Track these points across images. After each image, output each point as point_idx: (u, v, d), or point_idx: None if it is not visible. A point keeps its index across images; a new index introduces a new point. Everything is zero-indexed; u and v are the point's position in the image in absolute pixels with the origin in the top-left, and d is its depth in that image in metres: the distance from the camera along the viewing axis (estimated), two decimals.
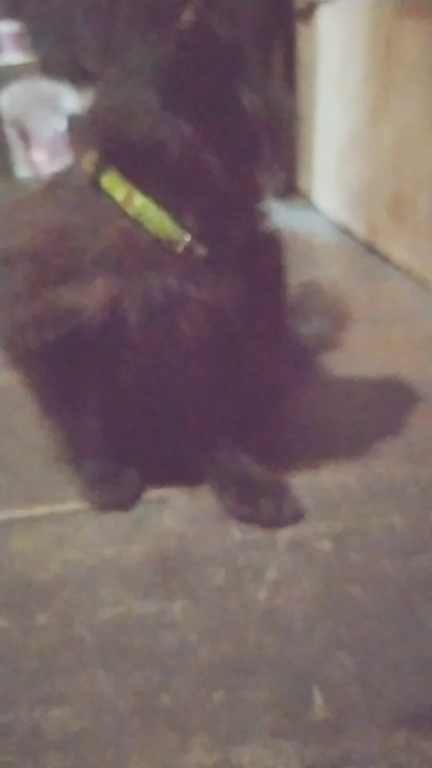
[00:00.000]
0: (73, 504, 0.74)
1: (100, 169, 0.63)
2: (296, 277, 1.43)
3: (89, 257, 0.61)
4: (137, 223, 0.62)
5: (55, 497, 0.75)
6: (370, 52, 1.42)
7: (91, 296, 0.61)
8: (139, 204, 0.61)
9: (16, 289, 0.64)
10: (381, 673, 0.53)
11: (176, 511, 0.72)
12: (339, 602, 0.60)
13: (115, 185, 0.62)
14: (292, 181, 2.08)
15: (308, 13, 1.79)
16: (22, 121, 3.19)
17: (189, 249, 0.62)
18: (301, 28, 1.88)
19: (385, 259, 1.47)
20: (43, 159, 3.09)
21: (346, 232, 1.69)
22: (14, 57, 3.90)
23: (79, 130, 0.67)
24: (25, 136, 3.14)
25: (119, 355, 0.64)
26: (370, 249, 1.55)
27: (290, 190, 2.08)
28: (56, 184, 0.68)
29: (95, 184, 0.63)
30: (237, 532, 0.68)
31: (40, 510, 0.73)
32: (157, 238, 0.62)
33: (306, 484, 0.74)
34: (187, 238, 0.62)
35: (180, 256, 0.62)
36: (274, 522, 0.68)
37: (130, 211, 0.61)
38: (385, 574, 0.62)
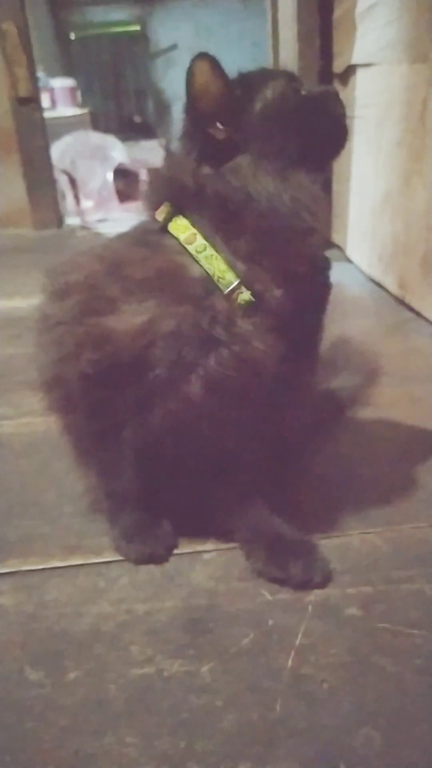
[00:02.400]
0: (109, 555, 0.74)
1: (169, 217, 0.66)
2: (330, 328, 1.45)
3: (131, 284, 0.63)
4: (192, 261, 0.63)
5: (92, 548, 0.75)
6: (404, 115, 1.44)
7: (123, 322, 0.62)
8: (200, 243, 0.63)
9: (62, 318, 0.66)
10: (408, 754, 0.51)
11: (208, 567, 0.71)
12: (367, 672, 0.58)
13: (181, 227, 0.65)
14: (328, 235, 2.09)
15: (346, 76, 1.82)
16: (71, 170, 3.29)
17: (236, 294, 0.63)
18: (339, 90, 1.91)
19: (417, 314, 1.46)
20: (90, 207, 3.18)
21: (379, 286, 1.69)
22: (66, 110, 4.06)
23: (153, 187, 0.69)
24: (74, 184, 3.24)
25: (150, 394, 0.64)
26: (402, 304, 1.54)
27: (327, 243, 2.09)
28: (127, 232, 0.72)
29: (163, 229, 0.66)
30: (266, 592, 0.67)
31: (76, 560, 0.73)
32: (208, 277, 0.63)
33: (335, 545, 0.73)
34: (235, 281, 0.63)
35: (225, 301, 0.63)
36: (303, 584, 0.67)
37: (190, 248, 0.64)
38: (415, 646, 0.60)
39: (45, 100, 4.02)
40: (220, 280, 0.63)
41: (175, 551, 0.74)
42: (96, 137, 3.63)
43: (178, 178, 0.66)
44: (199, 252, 0.64)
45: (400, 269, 1.54)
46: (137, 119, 5.13)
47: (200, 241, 0.64)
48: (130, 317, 0.62)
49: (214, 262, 0.63)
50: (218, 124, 0.63)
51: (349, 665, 0.59)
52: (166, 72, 5.29)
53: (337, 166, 1.96)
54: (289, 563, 0.67)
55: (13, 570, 0.72)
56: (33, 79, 2.47)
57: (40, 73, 4.04)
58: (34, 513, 0.83)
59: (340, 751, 0.51)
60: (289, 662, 0.59)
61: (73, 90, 4.25)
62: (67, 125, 3.67)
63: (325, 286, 0.76)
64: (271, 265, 0.64)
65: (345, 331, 1.44)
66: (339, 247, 2.03)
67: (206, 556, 0.73)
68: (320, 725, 0.53)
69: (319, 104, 0.67)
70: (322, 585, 0.67)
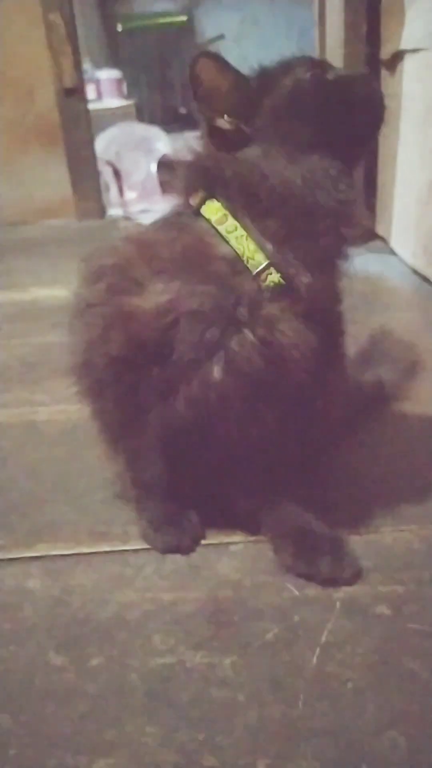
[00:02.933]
0: (136, 543, 0.73)
1: (202, 201, 0.65)
2: (370, 321, 1.42)
3: (158, 264, 0.63)
4: (222, 241, 0.62)
5: (120, 535, 0.75)
6: None
7: (148, 301, 0.62)
8: (231, 223, 0.63)
9: (92, 300, 0.66)
10: None
11: (235, 559, 0.70)
12: (394, 675, 0.56)
13: (213, 209, 0.64)
14: (372, 226, 2.04)
15: (393, 63, 1.77)
16: (116, 162, 3.30)
17: (264, 275, 0.62)
18: (386, 78, 1.86)
19: None
20: (133, 198, 3.19)
21: (424, 278, 1.64)
22: (112, 102, 4.08)
23: (188, 177, 0.69)
24: (118, 176, 3.25)
25: (174, 377, 0.63)
26: None
27: (370, 234, 2.05)
28: (162, 217, 0.71)
29: (197, 213, 0.65)
30: (293, 587, 0.66)
31: (103, 547, 0.73)
32: (237, 258, 0.62)
33: (367, 542, 0.71)
34: (264, 263, 0.61)
35: (252, 282, 0.62)
36: (331, 580, 0.65)
37: (221, 229, 0.63)
38: None
39: (91, 92, 4.03)
40: (250, 260, 0.62)
41: (202, 542, 0.73)
42: (141, 129, 3.64)
43: (204, 164, 0.66)
44: (230, 232, 0.63)
45: None
46: (182, 110, 5.11)
47: (231, 221, 0.63)
48: (155, 296, 0.62)
49: (244, 243, 0.62)
50: (225, 117, 0.63)
51: (375, 666, 0.57)
52: None
53: (383, 154, 1.93)
54: (317, 559, 0.66)
55: (42, 554, 0.73)
56: (79, 70, 2.48)
57: (86, 65, 4.07)
58: (64, 499, 0.83)
59: (363, 754, 0.50)
60: (314, 660, 0.58)
61: (119, 81, 4.26)
62: (113, 117, 3.68)
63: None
64: (300, 248, 0.62)
65: (386, 324, 1.41)
66: (383, 239, 1.98)
67: (233, 548, 0.72)
68: (343, 726, 0.52)
69: (344, 87, 0.65)
70: (351, 582, 0.65)
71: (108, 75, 4.23)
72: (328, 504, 0.74)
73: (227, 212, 0.63)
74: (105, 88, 4.20)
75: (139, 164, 3.34)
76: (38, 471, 0.91)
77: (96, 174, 2.70)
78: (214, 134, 0.65)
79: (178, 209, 0.70)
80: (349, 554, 0.67)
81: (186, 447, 0.68)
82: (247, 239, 0.62)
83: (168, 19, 5.28)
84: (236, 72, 0.63)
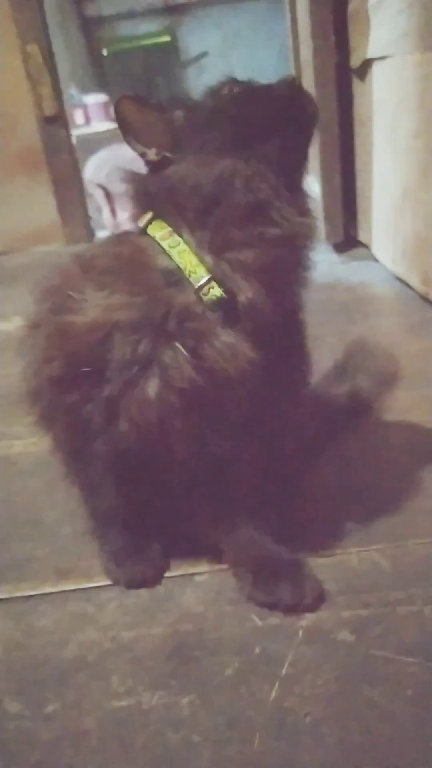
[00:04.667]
0: (100, 579, 0.72)
1: (150, 222, 0.64)
2: (350, 330, 1.41)
3: (96, 277, 0.62)
4: (161, 254, 0.62)
5: (85, 571, 0.74)
6: (419, 105, 1.38)
7: (82, 316, 0.61)
8: (175, 239, 0.62)
9: (35, 321, 0.66)
10: None
11: (199, 590, 0.69)
12: (354, 704, 0.54)
13: (157, 227, 0.63)
14: (353, 232, 2.03)
15: (363, 71, 1.77)
16: (106, 184, 3.32)
17: (206, 290, 0.60)
18: (357, 85, 1.86)
19: None
20: (126, 218, 3.20)
21: (404, 284, 1.62)
22: (100, 125, 4.11)
23: (132, 200, 0.68)
24: (110, 198, 3.26)
25: (113, 397, 0.60)
26: (427, 301, 1.47)
27: (351, 240, 2.04)
28: (110, 236, 0.72)
29: (143, 232, 0.64)
30: (256, 617, 0.64)
31: (68, 585, 0.72)
32: (177, 270, 0.61)
33: (332, 563, 0.69)
34: (206, 277, 0.60)
35: (187, 295, 0.60)
36: (293, 607, 0.64)
37: (164, 244, 0.62)
38: (408, 675, 0.56)
39: (79, 117, 4.08)
40: (192, 274, 0.60)
41: (167, 573, 0.71)
42: (130, 150, 3.66)
43: (140, 187, 0.66)
44: (173, 247, 0.62)
45: (423, 266, 1.48)
46: None
47: (174, 237, 0.62)
48: (90, 311, 0.61)
49: (186, 257, 0.61)
50: (153, 150, 0.64)
51: (335, 696, 0.55)
52: (198, 80, 5.29)
53: (359, 161, 1.92)
54: (277, 586, 0.64)
55: (5, 597, 0.72)
56: (58, 98, 2.49)
57: (72, 91, 4.12)
58: (33, 534, 0.82)
59: None
60: (273, 693, 0.56)
61: (106, 105, 4.28)
62: (102, 140, 3.70)
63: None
64: (237, 259, 0.61)
65: (365, 331, 1.40)
66: (365, 245, 1.97)
67: (198, 578, 0.71)
68: (299, 762, 0.50)
69: (261, 93, 0.65)
70: (314, 608, 0.64)
71: (95, 99, 4.26)
72: (293, 525, 0.72)
73: (171, 229, 0.63)
74: (93, 113, 4.23)
75: None
76: (10, 505, 0.90)
77: (82, 198, 2.71)
78: (148, 166, 0.66)
79: (127, 230, 0.69)
80: (310, 579, 0.65)
81: (138, 473, 0.66)
82: (188, 253, 0.61)
83: (152, 40, 5.32)
84: (158, 107, 0.64)
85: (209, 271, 0.60)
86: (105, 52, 5.23)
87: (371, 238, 1.90)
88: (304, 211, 0.65)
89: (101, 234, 2.85)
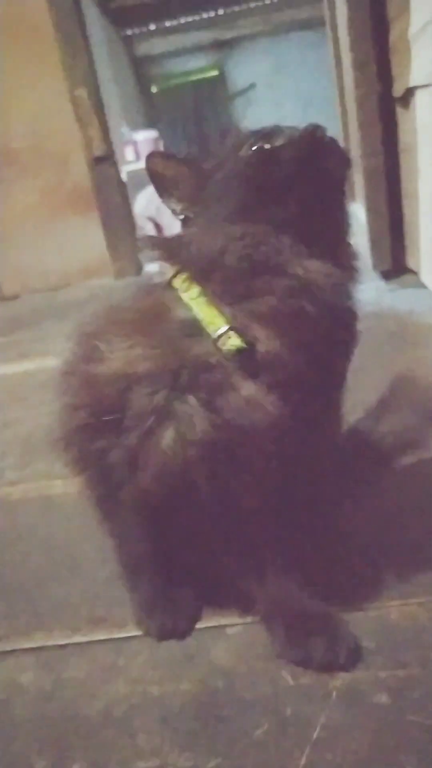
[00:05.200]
0: (132, 629, 0.71)
1: (176, 274, 0.65)
2: (395, 362, 1.37)
3: (120, 329, 0.63)
4: (181, 305, 0.62)
5: (117, 620, 0.73)
6: None
7: (105, 366, 0.62)
8: (195, 290, 0.62)
9: (65, 369, 0.67)
10: None
11: (231, 644, 0.67)
12: None
13: (180, 279, 0.64)
14: (401, 259, 2.00)
15: (406, 99, 1.75)
16: (156, 217, 3.39)
17: (223, 340, 0.60)
18: (401, 113, 1.84)
19: None
20: None
21: None
22: None
23: (170, 253, 0.69)
24: (160, 231, 3.33)
25: (135, 447, 0.61)
26: None
27: (399, 267, 2.00)
28: (140, 287, 0.72)
29: (169, 284, 0.65)
30: (288, 675, 0.62)
31: (99, 635, 0.71)
32: (195, 322, 0.61)
33: (370, 618, 0.66)
34: (224, 327, 0.60)
35: (205, 346, 0.60)
36: (326, 666, 0.61)
37: (185, 296, 0.62)
38: None
39: (129, 154, 4.19)
40: (210, 325, 0.60)
41: (199, 624, 0.70)
42: None
43: (166, 244, 0.68)
44: (193, 298, 0.62)
45: None
46: None
47: (194, 288, 0.63)
48: (113, 361, 0.62)
49: (204, 308, 0.61)
50: (180, 205, 0.66)
51: (368, 764, 0.52)
52: (245, 111, 5.37)
53: (405, 188, 1.89)
54: (310, 643, 0.62)
55: (39, 645, 0.72)
56: (106, 138, 2.57)
57: (123, 128, 4.24)
58: (68, 577, 0.82)
59: None
60: (303, 759, 0.54)
61: (156, 141, 4.39)
62: None
63: (346, 332, 0.69)
64: (255, 307, 0.61)
65: (413, 364, 1.36)
66: (414, 272, 1.93)
67: (230, 630, 0.69)
68: None
69: (283, 155, 0.64)
70: (349, 667, 0.61)
71: (145, 136, 4.38)
72: (329, 576, 0.70)
73: (192, 281, 0.63)
74: (143, 149, 4.34)
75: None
76: (50, 547, 0.91)
77: (131, 234, 2.77)
78: (180, 221, 0.68)
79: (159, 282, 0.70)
80: (346, 636, 0.63)
81: (166, 520, 0.66)
82: (207, 305, 0.61)
83: (200, 75, 5.45)
84: (187, 162, 0.66)
85: (228, 321, 0.60)
86: (154, 89, 5.40)
87: (420, 264, 1.86)
88: (340, 263, 0.64)
89: (150, 267, 2.90)
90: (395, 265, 2.02)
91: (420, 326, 1.60)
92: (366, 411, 1.02)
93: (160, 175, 0.66)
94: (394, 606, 0.68)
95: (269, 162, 0.63)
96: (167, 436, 0.59)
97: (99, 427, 0.63)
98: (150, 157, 0.67)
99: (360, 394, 1.06)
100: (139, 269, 2.76)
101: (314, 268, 0.61)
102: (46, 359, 1.78)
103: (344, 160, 0.66)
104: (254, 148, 0.64)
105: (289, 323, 0.60)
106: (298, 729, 0.56)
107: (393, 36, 1.75)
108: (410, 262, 1.96)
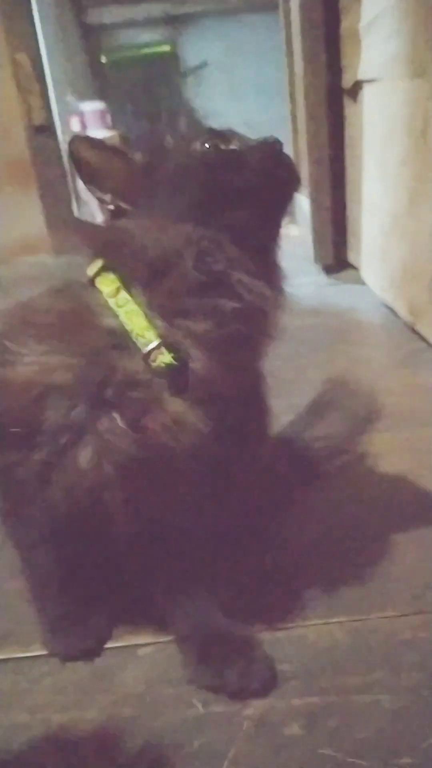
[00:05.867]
0: (38, 648, 0.66)
1: (99, 272, 0.59)
2: (333, 361, 1.35)
3: (34, 332, 0.56)
4: (107, 312, 0.56)
5: (23, 637, 0.67)
6: (407, 132, 1.33)
7: (16, 372, 0.55)
8: (123, 296, 0.56)
9: None
10: None
11: (142, 666, 0.63)
12: None
13: (106, 281, 0.57)
14: (343, 254, 1.98)
15: (354, 92, 1.72)
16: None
17: (154, 356, 0.54)
18: (349, 106, 1.81)
19: (429, 344, 1.35)
20: None
21: (392, 311, 1.57)
22: (98, 132, 4.06)
23: (103, 247, 0.63)
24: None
25: (47, 462, 0.55)
26: (414, 332, 1.42)
27: (341, 262, 1.99)
28: (56, 285, 0.64)
29: (91, 283, 0.59)
30: (199, 703, 0.58)
31: (1, 653, 0.66)
32: (123, 333, 0.55)
33: (289, 638, 0.64)
34: (155, 342, 0.54)
35: (133, 360, 0.55)
36: (239, 693, 0.58)
37: (111, 303, 0.56)
38: None
39: (75, 124, 4.04)
40: (140, 338, 0.55)
41: (109, 643, 0.66)
42: None
43: (95, 233, 0.63)
44: (120, 306, 0.56)
45: (410, 294, 1.43)
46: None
47: (123, 294, 0.56)
48: (24, 367, 0.55)
49: (134, 318, 0.55)
50: (108, 196, 0.59)
51: None
52: (197, 90, 5.26)
53: (349, 182, 1.87)
54: (224, 667, 0.58)
55: None
56: (48, 107, 2.45)
57: (69, 98, 4.08)
58: None
59: None
60: None
61: (103, 113, 4.24)
62: None
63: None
64: (191, 325, 0.56)
65: (348, 364, 1.35)
66: (355, 268, 1.92)
67: (141, 651, 0.65)
68: None
69: (236, 160, 0.59)
70: (263, 693, 0.58)
71: (92, 107, 4.22)
72: (251, 594, 0.67)
73: (121, 285, 0.57)
74: (89, 120, 4.18)
75: None
76: None
77: (71, 208, 2.66)
78: (105, 213, 0.61)
79: (76, 278, 0.64)
80: (262, 659, 0.59)
81: (78, 538, 0.61)
82: (138, 315, 0.56)
83: (152, 49, 5.29)
84: (118, 151, 0.60)
85: (159, 336, 0.55)
86: (104, 60, 5.21)
87: (360, 261, 1.85)
88: (273, 285, 0.60)
89: None
90: (337, 259, 2.00)
91: (359, 324, 1.59)
92: (297, 416, 1.00)
93: (86, 162, 0.60)
94: (312, 625, 0.65)
95: (226, 164, 0.58)
96: (84, 455, 0.54)
97: (6, 439, 0.57)
98: (73, 141, 0.60)
99: (295, 396, 1.04)
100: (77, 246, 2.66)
101: (258, 290, 0.57)
102: None
103: (296, 180, 0.63)
104: (207, 145, 0.58)
105: (226, 346, 0.56)
106: (206, 763, 0.53)
107: (344, 26, 1.72)
108: (351, 258, 1.95)
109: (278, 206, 0.63)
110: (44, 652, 0.65)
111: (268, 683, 0.58)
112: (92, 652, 0.64)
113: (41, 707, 0.60)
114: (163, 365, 0.55)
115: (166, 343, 0.55)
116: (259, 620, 0.65)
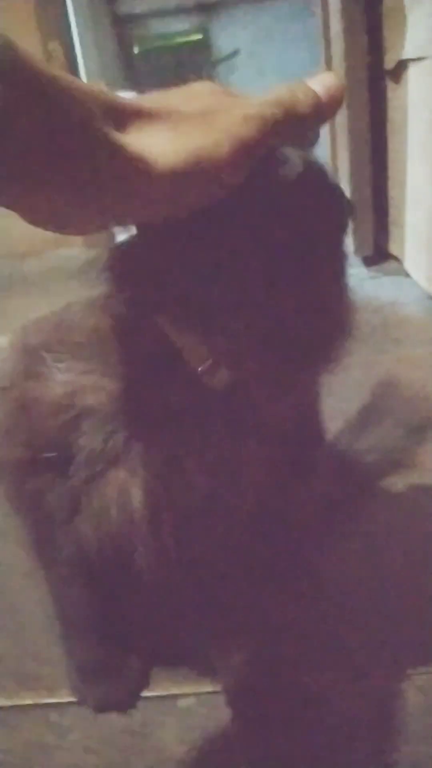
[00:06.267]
0: (66, 693, 0.59)
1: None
2: (377, 362, 1.25)
3: (69, 347, 0.49)
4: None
5: (50, 680, 0.60)
6: None
7: (49, 388, 0.48)
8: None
9: (4, 382, 0.52)
10: None
11: (183, 719, 0.55)
12: None
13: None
14: (384, 245, 1.86)
15: (398, 73, 1.60)
16: None
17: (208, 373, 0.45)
18: (391, 88, 1.69)
19: None
20: None
21: None
22: None
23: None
24: None
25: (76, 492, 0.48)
26: None
27: (381, 254, 1.87)
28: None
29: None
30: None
31: (25, 699, 0.59)
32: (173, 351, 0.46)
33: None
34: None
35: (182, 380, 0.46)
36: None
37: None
38: None
39: None
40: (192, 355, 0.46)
41: (146, 692, 0.58)
42: None
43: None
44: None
45: None
46: None
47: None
48: (58, 386, 0.48)
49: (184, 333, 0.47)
50: None
51: None
52: (228, 78, 5.13)
53: (392, 168, 1.75)
54: (275, 728, 0.50)
55: None
56: None
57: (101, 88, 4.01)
58: (10, 627, 0.69)
59: None
60: None
61: None
62: None
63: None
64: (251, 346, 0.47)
65: (395, 364, 1.24)
66: (397, 259, 1.80)
67: (182, 702, 0.57)
68: None
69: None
70: None
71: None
72: (306, 639, 0.58)
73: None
74: None
75: None
76: None
77: None
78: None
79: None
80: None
81: (110, 574, 0.53)
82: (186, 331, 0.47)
83: (183, 38, 5.18)
84: None
85: (212, 352, 0.46)
86: (136, 50, 5.11)
87: (404, 252, 1.73)
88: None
89: (121, 237, 2.72)
90: (377, 250, 1.89)
91: (404, 319, 1.48)
92: (345, 423, 0.90)
93: None
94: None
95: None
96: (117, 486, 0.46)
97: (36, 463, 0.49)
98: None
99: (340, 401, 0.95)
100: (112, 239, 2.59)
101: None
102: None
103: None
104: None
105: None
106: None
107: (387, 4, 1.59)
108: (393, 249, 1.83)
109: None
110: (73, 699, 0.58)
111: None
112: (125, 702, 0.57)
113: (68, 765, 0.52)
114: (220, 384, 0.46)
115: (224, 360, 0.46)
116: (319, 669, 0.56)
